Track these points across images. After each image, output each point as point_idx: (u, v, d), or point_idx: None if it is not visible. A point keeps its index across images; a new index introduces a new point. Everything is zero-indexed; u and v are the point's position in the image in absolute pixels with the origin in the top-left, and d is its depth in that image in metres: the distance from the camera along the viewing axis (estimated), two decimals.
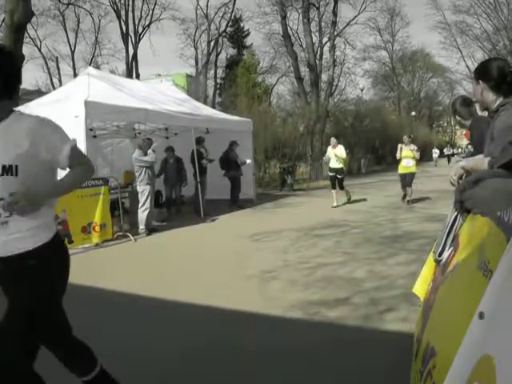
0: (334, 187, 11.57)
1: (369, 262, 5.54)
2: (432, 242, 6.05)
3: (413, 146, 11.28)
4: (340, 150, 11.44)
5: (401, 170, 11.50)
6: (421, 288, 2.96)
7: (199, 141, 10.78)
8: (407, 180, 11.30)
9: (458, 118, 4.03)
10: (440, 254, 2.48)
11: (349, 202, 11.88)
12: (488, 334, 1.03)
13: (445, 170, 23.85)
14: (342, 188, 11.59)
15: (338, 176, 11.46)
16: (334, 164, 11.46)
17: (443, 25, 37.19)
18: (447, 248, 2.44)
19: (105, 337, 3.64)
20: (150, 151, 8.54)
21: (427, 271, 2.95)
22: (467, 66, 36.69)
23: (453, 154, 46.99)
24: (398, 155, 11.38)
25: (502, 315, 1.00)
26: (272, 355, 3.14)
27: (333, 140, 11.59)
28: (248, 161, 12.18)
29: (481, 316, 1.07)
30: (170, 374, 2.96)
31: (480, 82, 2.32)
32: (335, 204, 11.34)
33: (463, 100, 4.08)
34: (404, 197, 11.57)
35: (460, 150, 51.83)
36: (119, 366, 3.10)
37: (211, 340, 3.46)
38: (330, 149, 11.59)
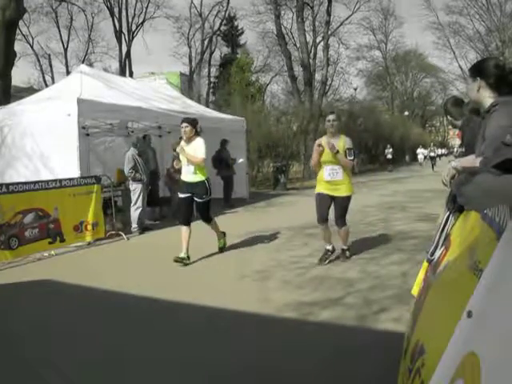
0: (186, 222, 6.00)
1: (362, 262, 5.55)
2: (425, 242, 6.12)
3: (346, 140, 5.47)
4: (195, 146, 5.90)
5: (321, 187, 5.58)
6: (418, 289, 2.96)
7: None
8: (336, 211, 5.61)
9: (449, 117, 4.05)
10: (432, 254, 2.49)
11: (222, 249, 6.52)
12: (474, 331, 1.03)
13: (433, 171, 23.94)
14: (207, 221, 6.29)
15: (198, 199, 6.00)
16: (189, 175, 6.00)
17: (436, 25, 37.42)
18: (439, 247, 2.45)
19: (96, 336, 3.61)
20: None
21: (423, 272, 2.95)
22: (460, 67, 36.94)
23: (437, 156, 45.44)
24: (314, 159, 5.56)
25: (489, 314, 1.01)
26: (264, 356, 3.13)
27: (185, 128, 5.90)
28: (240, 160, 12.16)
29: (469, 315, 1.08)
30: (165, 373, 2.94)
31: (478, 78, 2.32)
32: (183, 254, 5.82)
33: (455, 100, 4.11)
34: (324, 256, 5.66)
35: (453, 150, 51.24)
36: (113, 364, 3.09)
37: (204, 340, 3.45)
38: (181, 145, 6.00)
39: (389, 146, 28.98)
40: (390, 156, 28.79)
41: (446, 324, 1.26)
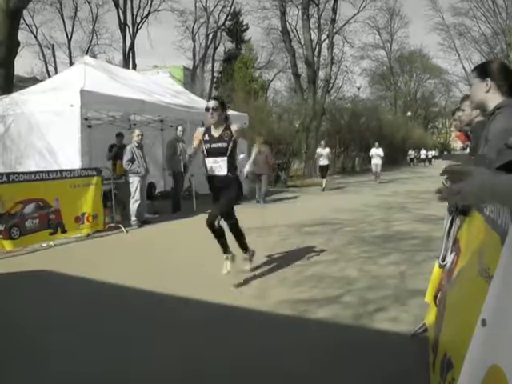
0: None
1: (360, 261, 5.54)
2: (424, 243, 6.13)
3: None
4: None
5: None
6: (431, 296, 2.93)
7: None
8: None
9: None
10: (443, 259, 2.48)
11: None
12: (492, 341, 1.00)
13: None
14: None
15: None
16: None
17: (442, 26, 37.34)
18: (449, 253, 2.43)
19: (92, 327, 3.61)
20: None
21: (436, 277, 2.91)
22: (464, 69, 36.89)
23: (426, 159, 42.34)
24: None
25: (503, 322, 0.98)
26: (260, 353, 3.13)
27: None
28: (241, 155, 12.10)
29: (483, 323, 1.06)
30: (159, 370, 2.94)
31: (488, 79, 2.24)
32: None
33: None
34: None
35: (455, 151, 50.21)
36: (110, 355, 3.09)
37: (201, 335, 3.45)
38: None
39: (322, 142, 16.87)
40: (324, 162, 15.76)
41: (468, 336, 1.23)
